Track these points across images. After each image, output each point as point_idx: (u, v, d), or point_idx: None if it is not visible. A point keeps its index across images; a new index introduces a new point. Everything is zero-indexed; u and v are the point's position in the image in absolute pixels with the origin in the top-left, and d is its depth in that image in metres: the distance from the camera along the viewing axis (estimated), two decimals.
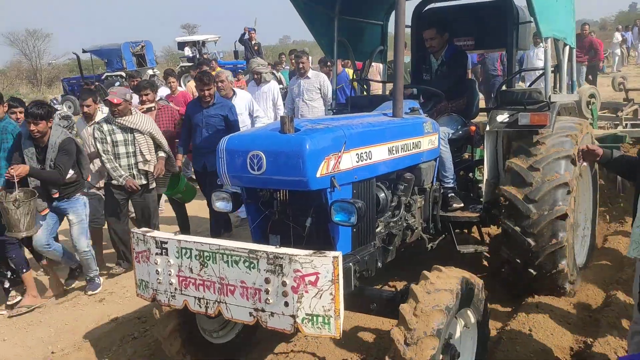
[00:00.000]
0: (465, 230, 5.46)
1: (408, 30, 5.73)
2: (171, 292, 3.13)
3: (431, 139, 4.40)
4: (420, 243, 4.62)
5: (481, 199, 4.88)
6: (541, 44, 9.42)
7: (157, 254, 3.14)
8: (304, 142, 3.05)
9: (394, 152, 3.83)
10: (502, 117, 4.76)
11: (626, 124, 7.86)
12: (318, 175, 3.10)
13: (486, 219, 4.89)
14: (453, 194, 4.95)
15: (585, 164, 5.02)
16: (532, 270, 4.45)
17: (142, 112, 6.61)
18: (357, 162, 3.42)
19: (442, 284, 3.11)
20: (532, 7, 4.19)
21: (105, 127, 5.86)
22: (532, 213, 4.32)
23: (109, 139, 5.84)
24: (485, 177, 4.84)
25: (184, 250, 3.03)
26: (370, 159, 3.54)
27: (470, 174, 5.59)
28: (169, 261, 3.10)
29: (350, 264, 3.33)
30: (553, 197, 4.32)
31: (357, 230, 3.52)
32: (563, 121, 4.72)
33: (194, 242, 3.00)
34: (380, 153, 3.66)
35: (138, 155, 5.90)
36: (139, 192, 5.98)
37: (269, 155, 3.11)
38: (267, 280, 2.76)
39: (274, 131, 3.22)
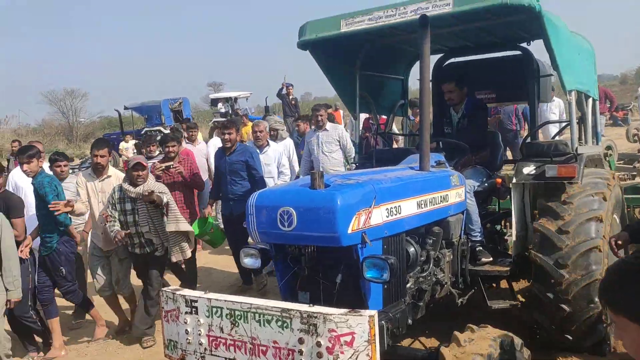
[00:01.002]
0: (494, 285, 5.32)
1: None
2: (201, 353, 3.06)
3: (458, 192, 4.37)
4: (450, 298, 4.51)
5: (509, 252, 4.79)
6: (555, 98, 9.53)
7: (186, 312, 3.09)
8: (335, 198, 3.03)
9: (423, 206, 3.79)
10: (529, 169, 4.72)
11: None
12: (349, 231, 3.06)
13: (516, 273, 4.78)
14: (481, 248, 4.86)
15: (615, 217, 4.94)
16: (568, 336, 4.32)
17: (161, 170, 6.72)
18: (387, 217, 3.38)
19: (474, 347, 3.01)
20: (556, 61, 4.22)
21: (117, 194, 5.68)
22: (565, 278, 4.23)
23: (118, 207, 5.67)
24: (514, 230, 4.76)
25: (214, 309, 2.98)
26: (399, 213, 3.51)
27: (497, 227, 5.52)
28: (198, 320, 3.04)
29: (383, 322, 3.25)
30: (586, 262, 4.23)
31: (388, 287, 3.45)
32: (590, 176, 4.65)
33: (225, 300, 2.95)
34: (409, 207, 3.63)
35: (140, 226, 5.69)
36: (142, 258, 5.83)
37: (299, 211, 3.10)
38: (300, 341, 2.68)
39: (304, 187, 3.21)
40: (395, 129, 8.24)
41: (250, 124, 9.22)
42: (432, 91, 6.22)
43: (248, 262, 3.56)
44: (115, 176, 6.07)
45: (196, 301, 3.05)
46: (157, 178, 6.60)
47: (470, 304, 4.73)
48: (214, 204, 7.43)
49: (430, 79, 6.25)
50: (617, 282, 1.50)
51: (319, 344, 2.63)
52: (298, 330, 2.69)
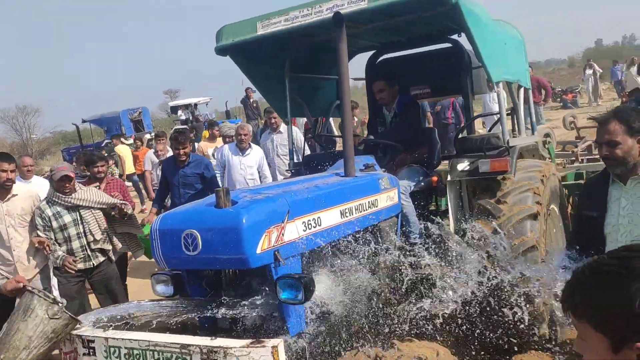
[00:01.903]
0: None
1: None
2: None
3: (389, 195, 4.18)
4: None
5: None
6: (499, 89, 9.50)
7: (84, 354, 2.80)
8: (240, 217, 2.79)
9: (348, 214, 3.58)
10: (463, 165, 4.57)
11: (582, 160, 7.90)
12: (259, 250, 2.82)
13: None
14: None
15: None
16: (512, 339, 4.17)
17: (92, 186, 6.08)
18: (305, 230, 3.16)
19: None
20: (480, 52, 4.06)
21: (49, 211, 5.19)
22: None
23: (54, 224, 5.18)
24: (452, 228, 4.60)
25: (112, 349, 2.70)
26: (319, 225, 3.29)
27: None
28: None
29: (305, 343, 3.02)
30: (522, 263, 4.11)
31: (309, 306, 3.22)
32: (524, 170, 4.52)
33: (122, 338, 2.68)
34: (331, 218, 3.41)
35: (88, 235, 5.30)
36: (98, 270, 5.53)
37: (203, 233, 2.84)
38: None
39: (209, 206, 2.96)
40: (335, 131, 8.04)
41: (241, 123, 9.00)
42: (366, 90, 6.06)
43: (160, 289, 3.29)
44: (24, 193, 5.40)
45: (93, 341, 2.77)
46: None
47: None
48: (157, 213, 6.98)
49: (363, 77, 6.16)
50: (586, 284, 1.33)
51: None
52: None
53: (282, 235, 2.97)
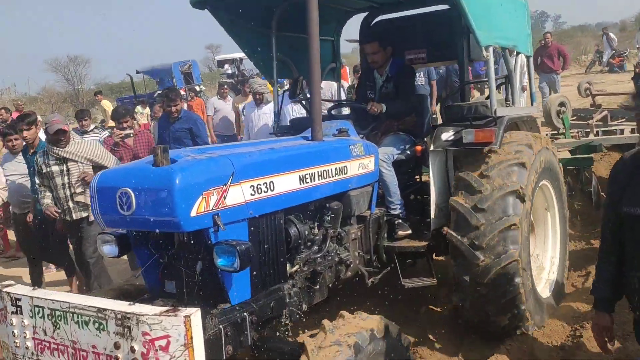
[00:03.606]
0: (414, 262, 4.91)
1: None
2: (29, 357, 2.68)
3: (363, 163, 3.96)
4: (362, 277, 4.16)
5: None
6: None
7: (12, 312, 2.70)
8: (173, 176, 2.62)
9: (308, 180, 3.38)
10: (448, 134, 4.31)
11: (597, 132, 7.41)
12: (194, 213, 2.65)
13: (436, 249, 4.41)
14: (400, 221, 4.47)
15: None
16: (488, 319, 3.99)
17: (120, 139, 6.58)
18: (253, 195, 2.97)
19: (340, 337, 2.66)
20: (466, 13, 3.77)
21: (41, 160, 5.50)
22: (480, 260, 3.88)
23: (43, 169, 5.48)
24: (433, 203, 4.37)
25: (37, 309, 2.60)
26: (272, 190, 3.10)
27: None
28: (23, 321, 2.66)
29: (246, 314, 2.88)
30: (502, 242, 3.87)
31: (259, 273, 3.06)
32: (512, 143, 4.23)
33: (46, 299, 2.56)
34: (287, 183, 3.22)
35: (72, 187, 5.47)
36: (76, 226, 5.56)
37: (137, 193, 2.68)
38: (116, 345, 2.31)
39: (148, 164, 2.79)
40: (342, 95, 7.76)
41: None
42: (360, 52, 5.78)
43: (105, 250, 3.15)
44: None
45: (20, 300, 2.66)
46: (115, 147, 6.57)
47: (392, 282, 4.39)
48: None
49: (357, 39, 5.87)
50: None
51: (133, 350, 2.26)
52: (114, 333, 2.32)
53: (224, 198, 2.80)
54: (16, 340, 2.71)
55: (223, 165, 2.84)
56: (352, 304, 4.13)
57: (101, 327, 2.35)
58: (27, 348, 2.67)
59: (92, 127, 8.79)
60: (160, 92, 23.72)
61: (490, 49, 4.10)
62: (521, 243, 3.93)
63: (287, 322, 3.32)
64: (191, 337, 2.18)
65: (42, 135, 6.57)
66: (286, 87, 5.95)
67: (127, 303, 2.38)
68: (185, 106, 12.11)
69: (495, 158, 4.08)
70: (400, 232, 4.41)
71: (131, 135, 6.79)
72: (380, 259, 4.33)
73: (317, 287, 3.61)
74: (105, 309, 2.33)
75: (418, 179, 4.97)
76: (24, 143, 6.15)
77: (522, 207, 3.96)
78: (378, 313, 3.12)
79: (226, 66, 28.85)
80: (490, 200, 3.95)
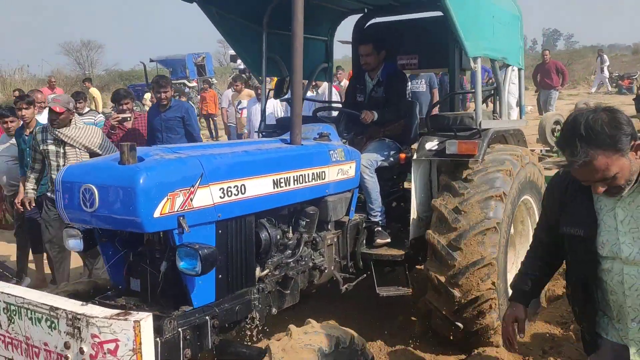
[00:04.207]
0: (391, 270, 4.88)
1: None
2: None
3: (342, 169, 3.91)
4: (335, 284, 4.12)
5: None
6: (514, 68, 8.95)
7: None
8: (137, 175, 2.57)
9: (282, 184, 3.34)
10: (432, 144, 4.27)
11: None
12: (157, 214, 2.61)
13: (414, 259, 4.38)
14: (380, 229, 4.44)
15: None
16: (459, 324, 3.95)
17: (117, 121, 6.60)
18: (222, 197, 2.93)
19: (305, 341, 2.63)
20: (454, 23, 3.72)
21: (39, 135, 5.49)
22: (457, 261, 3.85)
23: (40, 146, 5.46)
24: (413, 211, 4.33)
25: None
26: (242, 193, 3.05)
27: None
28: None
29: (207, 317, 2.84)
30: (480, 244, 3.84)
31: (225, 276, 3.03)
32: (497, 153, 4.20)
33: (2, 292, 2.52)
34: (260, 187, 3.17)
35: None
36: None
37: (100, 190, 2.64)
38: (66, 345, 2.27)
39: (114, 161, 2.74)
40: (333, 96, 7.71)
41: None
42: (352, 54, 5.73)
43: (71, 244, 3.11)
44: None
45: None
46: (112, 129, 6.59)
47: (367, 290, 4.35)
48: None
49: (350, 40, 5.82)
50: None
51: (82, 351, 2.22)
52: (65, 332, 2.28)
53: (191, 200, 2.76)
54: None
55: (191, 166, 2.80)
56: (325, 310, 4.10)
57: (53, 325, 2.31)
58: None
59: (86, 109, 8.73)
60: (172, 81, 24.25)
61: (479, 60, 4.06)
62: (499, 247, 3.90)
63: (253, 326, 3.29)
64: (140, 343, 2.14)
65: (40, 118, 6.62)
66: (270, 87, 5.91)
67: (80, 303, 2.34)
68: (198, 97, 12.26)
69: (478, 167, 4.05)
70: (379, 240, 4.37)
71: (129, 119, 6.75)
72: (356, 266, 4.29)
73: (289, 291, 3.58)
74: (57, 308, 2.29)
75: (402, 187, 4.91)
76: (21, 123, 6.14)
77: (502, 211, 3.93)
78: (350, 320, 3.09)
79: (239, 61, 29.00)
80: (470, 202, 3.92)
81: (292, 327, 2.82)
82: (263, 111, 5.27)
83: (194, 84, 23.93)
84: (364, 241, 4.38)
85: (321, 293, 4.22)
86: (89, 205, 2.67)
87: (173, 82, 23.62)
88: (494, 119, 4.58)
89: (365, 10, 5.58)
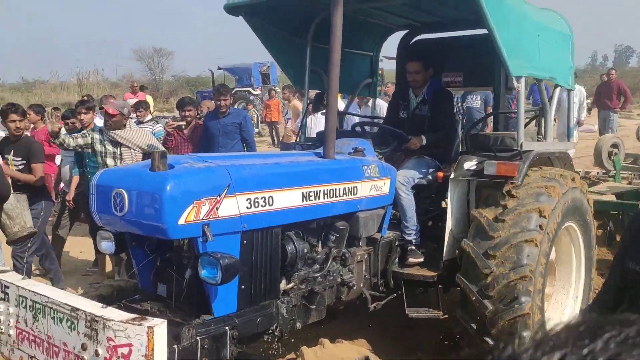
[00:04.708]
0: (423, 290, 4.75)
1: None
2: (11, 345, 2.74)
3: (375, 185, 3.86)
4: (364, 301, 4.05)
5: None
6: (575, 85, 8.61)
7: (1, 299, 2.76)
8: (165, 182, 2.61)
9: (311, 198, 3.32)
10: (470, 163, 4.15)
11: None
12: (181, 222, 2.64)
13: (446, 280, 4.25)
14: (413, 247, 4.34)
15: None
16: (488, 339, 3.80)
17: (172, 128, 6.91)
18: (249, 208, 2.94)
19: None
20: (496, 40, 3.62)
21: (97, 135, 5.71)
22: (491, 271, 3.71)
23: (96, 147, 5.65)
24: (448, 231, 4.22)
25: (21, 299, 2.64)
26: (270, 204, 3.05)
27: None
28: (9, 309, 2.71)
29: (227, 327, 2.84)
30: (517, 255, 3.70)
31: (248, 287, 3.02)
32: (536, 181, 4.02)
33: (29, 290, 2.60)
34: (287, 199, 3.16)
35: None
36: None
37: (130, 195, 2.70)
38: (83, 347, 2.31)
39: (145, 168, 2.80)
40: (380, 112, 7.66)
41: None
42: (396, 70, 5.69)
43: (103, 246, 3.19)
44: None
45: (8, 287, 2.72)
46: (168, 135, 6.86)
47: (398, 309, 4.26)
48: None
49: (395, 56, 5.78)
50: None
51: (97, 353, 2.25)
52: (83, 334, 2.32)
53: (217, 209, 2.77)
54: (1, 327, 2.76)
55: (219, 175, 2.82)
56: (351, 328, 4.03)
57: (73, 326, 2.36)
58: (9, 335, 2.72)
59: (148, 117, 8.97)
60: (237, 89, 25.00)
61: (522, 79, 3.93)
62: (537, 261, 3.74)
63: (275, 339, 3.27)
64: (152, 349, 2.15)
65: (97, 122, 6.92)
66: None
67: (100, 305, 2.38)
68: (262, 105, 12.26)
69: (513, 202, 3.89)
70: (412, 259, 4.28)
71: (183, 126, 6.99)
72: (387, 285, 4.21)
73: (314, 306, 3.54)
74: (77, 309, 2.34)
75: (441, 206, 4.80)
76: (81, 126, 6.41)
77: (544, 226, 3.77)
78: (376, 339, 3.02)
79: None
80: (512, 213, 3.79)
81: (304, 348, 2.77)
82: (304, 124, 5.28)
83: (258, 91, 24.51)
84: (396, 259, 4.30)
85: (349, 310, 4.15)
86: (118, 209, 2.73)
87: (238, 89, 24.49)
88: (537, 140, 4.42)
89: (412, 26, 5.53)
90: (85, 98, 8.42)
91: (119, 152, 5.65)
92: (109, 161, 5.65)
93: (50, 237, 6.42)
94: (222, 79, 27.31)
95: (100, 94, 26.19)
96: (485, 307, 3.73)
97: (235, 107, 21.41)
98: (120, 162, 5.64)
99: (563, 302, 4.66)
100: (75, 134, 5.82)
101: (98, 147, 5.66)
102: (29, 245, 5.32)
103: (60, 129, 5.77)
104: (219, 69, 26.57)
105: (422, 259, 4.31)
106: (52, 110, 12.97)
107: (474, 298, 3.78)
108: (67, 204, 6.26)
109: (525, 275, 3.67)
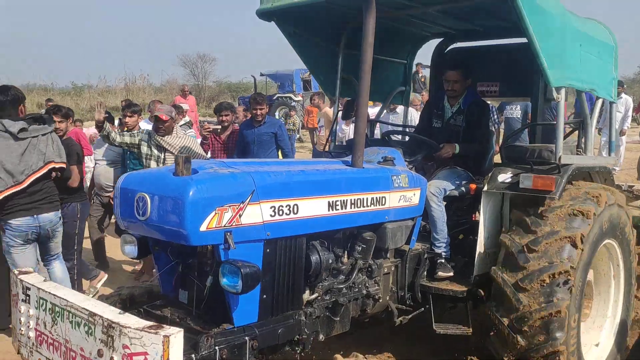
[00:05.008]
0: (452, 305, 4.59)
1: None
2: (30, 347, 2.72)
3: (405, 195, 3.75)
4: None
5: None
6: (622, 95, 8.25)
7: (22, 300, 2.75)
8: (187, 188, 2.56)
9: (337, 207, 3.23)
10: (505, 176, 4.00)
11: None
12: (203, 228, 2.58)
13: (477, 296, 4.10)
14: (443, 261, 4.21)
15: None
16: None
17: (208, 131, 6.99)
18: (273, 216, 2.86)
19: None
20: (536, 49, 3.48)
21: (145, 137, 5.74)
22: (522, 305, 3.57)
23: (142, 149, 5.67)
24: (480, 245, 4.07)
25: (41, 301, 2.62)
26: (295, 213, 2.97)
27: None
28: (29, 310, 2.69)
29: (247, 337, 2.76)
30: (549, 288, 3.54)
31: (270, 297, 2.95)
32: (573, 200, 3.84)
33: (50, 292, 2.57)
34: (313, 207, 3.08)
35: None
36: None
37: (153, 199, 2.66)
38: (99, 353, 2.27)
39: (169, 172, 2.75)
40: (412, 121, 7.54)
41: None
42: (431, 78, 5.56)
43: (127, 250, 3.16)
44: None
45: (30, 289, 2.70)
46: (204, 139, 6.95)
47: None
48: None
49: (429, 64, 5.66)
50: None
51: None
52: (99, 340, 2.28)
53: (240, 216, 2.71)
54: (22, 328, 2.75)
55: (243, 182, 2.75)
56: (375, 341, 3.92)
57: (90, 331, 2.32)
58: (29, 338, 2.70)
59: (181, 122, 9.04)
60: (279, 95, 25.37)
61: (562, 90, 3.77)
62: (571, 295, 3.57)
63: (297, 350, 3.19)
64: (168, 358, 2.09)
65: (142, 125, 6.99)
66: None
67: (118, 311, 2.33)
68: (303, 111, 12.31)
69: (545, 228, 3.71)
70: (441, 273, 4.15)
71: (218, 131, 7.02)
72: (414, 298, 4.08)
73: (338, 318, 3.44)
74: (95, 314, 2.30)
75: (473, 219, 4.65)
76: (125, 128, 6.49)
77: (578, 255, 3.60)
78: (401, 355, 2.90)
79: None
80: (543, 242, 3.63)
81: (337, 356, 2.68)
82: (334, 132, 5.20)
83: (299, 97, 24.70)
84: (425, 273, 4.17)
85: (374, 323, 4.03)
86: (141, 214, 2.69)
87: (280, 95, 24.63)
88: (577, 154, 4.24)
89: (447, 34, 5.41)
90: (125, 103, 8.59)
91: (162, 157, 5.68)
92: (152, 164, 5.68)
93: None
94: (265, 84, 27.71)
95: (147, 98, 26.78)
96: (517, 342, 3.59)
97: (277, 113, 21.65)
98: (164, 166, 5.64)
99: (600, 323, 4.45)
100: (124, 132, 5.87)
101: (145, 149, 5.68)
102: (75, 247, 5.37)
103: (105, 118, 5.74)
104: (262, 75, 26.85)
105: (451, 274, 4.17)
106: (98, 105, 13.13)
107: (506, 332, 3.63)
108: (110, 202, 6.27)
109: (559, 310, 3.51)
